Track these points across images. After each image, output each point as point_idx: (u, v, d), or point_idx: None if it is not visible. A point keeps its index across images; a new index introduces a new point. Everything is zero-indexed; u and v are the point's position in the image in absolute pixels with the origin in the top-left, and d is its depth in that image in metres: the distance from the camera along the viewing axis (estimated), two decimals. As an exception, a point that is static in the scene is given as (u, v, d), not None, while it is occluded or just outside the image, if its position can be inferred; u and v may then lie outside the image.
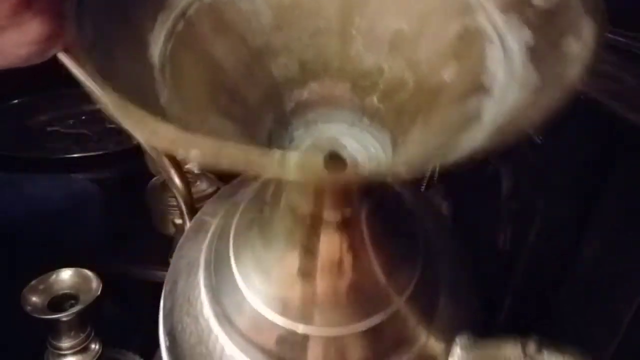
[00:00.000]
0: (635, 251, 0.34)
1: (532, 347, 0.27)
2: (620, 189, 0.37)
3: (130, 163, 0.88)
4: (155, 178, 0.79)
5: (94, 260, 0.73)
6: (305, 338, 0.29)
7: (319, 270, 0.29)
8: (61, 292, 0.52)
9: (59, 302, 0.51)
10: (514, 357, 0.26)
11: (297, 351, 0.29)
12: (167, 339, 0.34)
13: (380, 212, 0.30)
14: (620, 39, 0.43)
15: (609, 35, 0.45)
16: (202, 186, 0.70)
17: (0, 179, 0.72)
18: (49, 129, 0.99)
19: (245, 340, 0.30)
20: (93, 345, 0.50)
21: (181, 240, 0.40)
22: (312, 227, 0.28)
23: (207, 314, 0.31)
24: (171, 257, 0.46)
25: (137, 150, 0.82)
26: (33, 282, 0.52)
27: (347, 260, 0.28)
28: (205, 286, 0.33)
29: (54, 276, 0.53)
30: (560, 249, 0.45)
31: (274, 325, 0.29)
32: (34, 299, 0.50)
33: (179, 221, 0.48)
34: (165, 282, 0.37)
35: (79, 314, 0.47)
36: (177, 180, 0.42)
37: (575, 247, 0.42)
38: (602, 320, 0.37)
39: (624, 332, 0.34)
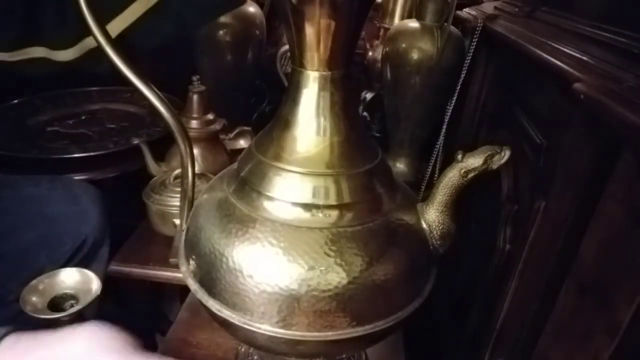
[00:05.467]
0: (635, 251, 0.34)
1: (459, 155, 0.40)
2: (620, 189, 0.37)
3: (130, 163, 0.88)
4: (155, 178, 0.79)
5: (93, 259, 0.73)
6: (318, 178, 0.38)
7: (321, 126, 0.39)
8: (61, 292, 0.52)
9: (59, 302, 0.51)
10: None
11: (302, 189, 0.38)
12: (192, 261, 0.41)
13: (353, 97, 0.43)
14: (621, 39, 0.43)
15: (609, 35, 0.45)
16: (201, 187, 0.70)
17: (0, 179, 0.72)
18: (49, 129, 0.99)
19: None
20: (93, 345, 0.50)
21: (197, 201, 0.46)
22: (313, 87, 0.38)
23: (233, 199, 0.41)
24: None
25: (137, 150, 0.83)
26: (33, 282, 0.52)
27: (341, 115, 0.39)
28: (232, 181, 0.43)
29: (54, 276, 0.53)
30: (560, 249, 0.45)
31: (287, 173, 0.39)
32: (34, 299, 0.50)
33: (178, 221, 0.49)
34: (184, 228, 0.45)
35: (79, 314, 0.47)
36: (189, 177, 0.45)
37: (575, 247, 0.42)
38: (602, 320, 0.36)
39: (624, 332, 0.34)
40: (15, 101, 1.07)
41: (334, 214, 0.38)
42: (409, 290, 0.40)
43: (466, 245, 0.82)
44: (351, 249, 0.36)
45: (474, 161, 0.40)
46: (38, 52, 0.95)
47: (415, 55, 0.84)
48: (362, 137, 0.42)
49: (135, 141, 0.89)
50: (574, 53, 0.46)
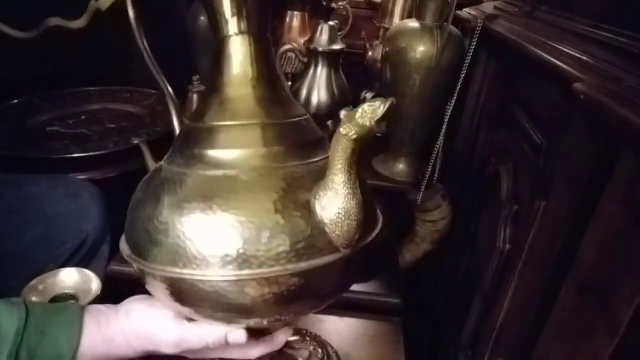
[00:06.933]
0: (635, 251, 0.34)
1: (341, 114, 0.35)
2: (621, 189, 0.37)
3: (130, 163, 0.88)
4: (155, 178, 0.79)
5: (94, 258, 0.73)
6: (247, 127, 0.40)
7: (241, 81, 0.42)
8: (61, 292, 0.52)
9: (59, 301, 0.51)
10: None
11: (235, 138, 0.40)
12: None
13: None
14: (621, 39, 0.43)
15: (609, 35, 0.45)
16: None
17: (1, 178, 0.72)
18: (49, 129, 1.00)
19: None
20: (93, 345, 0.50)
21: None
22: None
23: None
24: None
25: (137, 150, 0.83)
26: (33, 282, 0.52)
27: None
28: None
29: (54, 276, 0.53)
30: (560, 249, 0.45)
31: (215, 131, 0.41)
32: (34, 299, 0.50)
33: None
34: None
35: (79, 314, 0.47)
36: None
37: (576, 247, 0.42)
38: (602, 320, 0.36)
39: (624, 332, 0.34)
40: (15, 101, 1.07)
41: (258, 158, 0.39)
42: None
43: (466, 245, 0.82)
44: (276, 188, 0.37)
45: (351, 116, 0.33)
46: (53, 22, 0.97)
47: (415, 55, 0.84)
48: (280, 94, 0.44)
49: (135, 141, 0.89)
50: (574, 53, 0.46)
